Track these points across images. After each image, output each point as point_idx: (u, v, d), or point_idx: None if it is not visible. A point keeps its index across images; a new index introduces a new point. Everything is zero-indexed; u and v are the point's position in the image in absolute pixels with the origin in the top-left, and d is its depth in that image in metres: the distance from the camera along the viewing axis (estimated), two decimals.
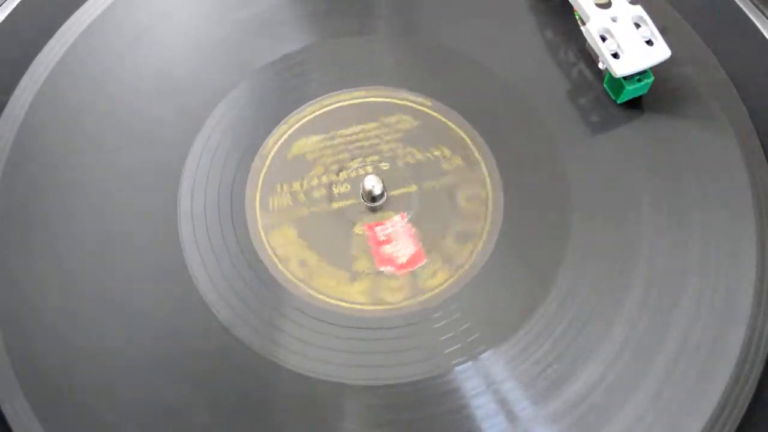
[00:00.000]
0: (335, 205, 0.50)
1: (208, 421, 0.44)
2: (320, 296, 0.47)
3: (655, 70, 0.51)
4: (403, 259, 0.49)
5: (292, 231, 0.49)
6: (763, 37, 0.55)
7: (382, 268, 0.48)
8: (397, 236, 0.49)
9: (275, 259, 0.48)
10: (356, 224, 0.50)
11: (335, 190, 0.51)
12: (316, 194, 0.51)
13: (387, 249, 0.49)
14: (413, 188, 0.51)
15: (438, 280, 0.48)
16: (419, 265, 0.48)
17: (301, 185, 0.51)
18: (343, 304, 0.47)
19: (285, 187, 0.51)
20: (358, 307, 0.47)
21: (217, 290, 0.47)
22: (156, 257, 0.49)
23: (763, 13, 0.55)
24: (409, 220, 0.50)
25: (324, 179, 0.51)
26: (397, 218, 0.50)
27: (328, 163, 0.52)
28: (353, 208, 0.50)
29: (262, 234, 0.49)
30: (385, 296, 0.47)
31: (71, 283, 0.48)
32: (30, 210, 0.50)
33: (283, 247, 0.49)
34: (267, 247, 0.49)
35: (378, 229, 0.49)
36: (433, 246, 0.49)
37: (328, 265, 0.48)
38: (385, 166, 0.51)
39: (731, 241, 0.48)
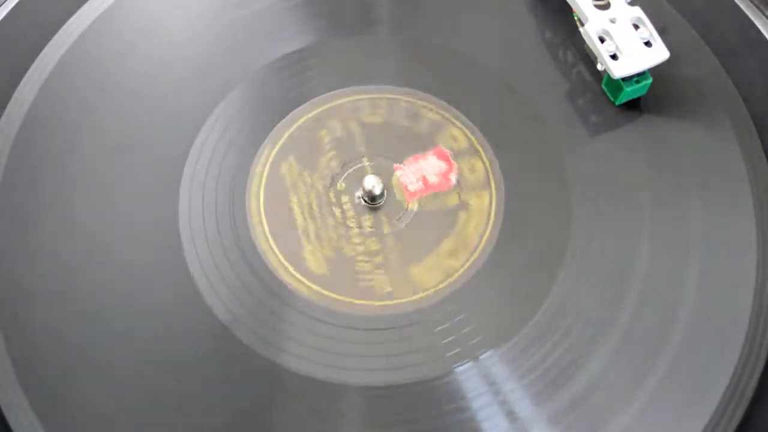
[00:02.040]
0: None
1: (208, 421, 0.44)
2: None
3: (654, 71, 0.51)
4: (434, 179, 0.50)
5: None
6: (763, 37, 0.55)
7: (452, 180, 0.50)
8: (421, 169, 0.51)
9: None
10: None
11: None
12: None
13: (431, 178, 0.51)
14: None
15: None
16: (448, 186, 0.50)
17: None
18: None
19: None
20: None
21: (217, 290, 0.47)
22: (156, 257, 0.48)
23: (763, 13, 0.55)
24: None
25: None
26: (398, 172, 0.51)
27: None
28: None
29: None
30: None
31: (71, 283, 0.48)
32: (30, 209, 0.50)
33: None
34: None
35: (409, 186, 0.51)
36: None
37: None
38: (392, 168, 0.52)
39: (731, 241, 0.48)
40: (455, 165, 0.51)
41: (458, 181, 0.51)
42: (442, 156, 0.51)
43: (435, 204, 0.50)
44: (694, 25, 0.55)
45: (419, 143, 0.52)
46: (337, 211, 0.50)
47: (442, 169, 0.50)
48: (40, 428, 0.44)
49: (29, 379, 0.45)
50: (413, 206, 0.50)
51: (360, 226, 0.50)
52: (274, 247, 0.49)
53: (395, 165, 0.51)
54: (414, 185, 0.50)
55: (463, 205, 0.50)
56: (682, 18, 0.56)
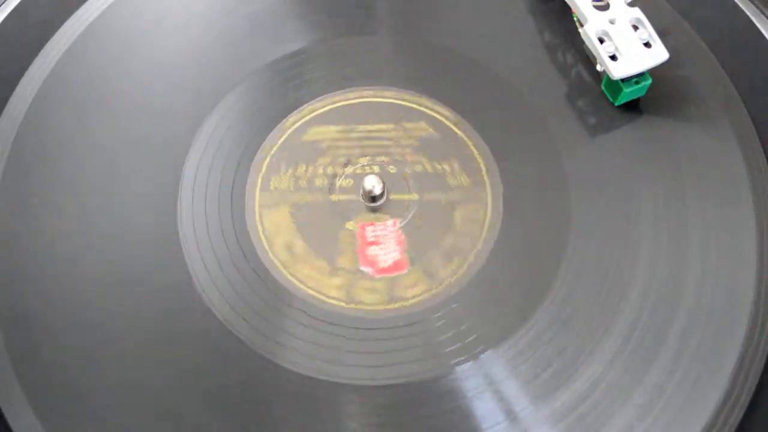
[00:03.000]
0: (334, 198, 0.50)
1: (208, 421, 0.44)
2: (320, 296, 0.47)
3: (654, 71, 0.51)
4: (385, 264, 0.49)
5: (286, 213, 0.50)
6: (763, 37, 0.55)
7: (362, 268, 0.49)
8: (386, 240, 0.49)
9: (264, 241, 0.49)
10: (350, 220, 0.50)
11: (338, 183, 0.51)
12: (318, 183, 0.51)
13: (372, 250, 0.49)
14: (414, 197, 0.51)
15: (415, 291, 0.48)
16: (399, 272, 0.48)
17: (306, 170, 0.51)
18: (343, 304, 0.47)
19: (290, 170, 0.51)
20: (359, 307, 0.47)
21: (217, 290, 0.47)
22: (156, 257, 0.48)
23: (763, 13, 0.55)
24: (401, 227, 0.50)
25: (329, 170, 0.51)
26: (389, 222, 0.50)
27: (338, 154, 0.52)
28: (351, 203, 0.50)
29: (258, 219, 0.49)
30: (360, 296, 0.48)
31: (71, 283, 0.48)
32: (29, 209, 0.50)
33: (274, 226, 0.49)
34: (259, 226, 0.49)
35: (369, 229, 0.50)
36: (418, 258, 0.49)
37: (312, 254, 0.49)
38: (392, 169, 0.52)
39: (731, 241, 0.48)
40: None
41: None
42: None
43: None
44: (694, 25, 0.55)
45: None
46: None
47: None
48: (40, 428, 0.44)
49: (29, 379, 0.45)
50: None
51: (376, 228, 0.50)
52: (274, 247, 0.49)
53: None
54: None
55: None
56: (682, 18, 0.56)
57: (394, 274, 0.48)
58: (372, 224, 0.50)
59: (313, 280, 0.48)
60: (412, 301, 0.47)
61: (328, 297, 0.48)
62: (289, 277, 0.48)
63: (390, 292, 0.48)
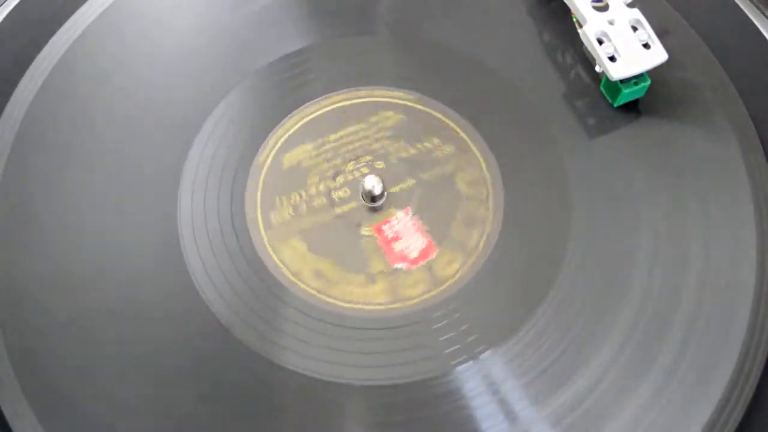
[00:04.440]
0: (338, 210, 0.50)
1: (207, 421, 0.44)
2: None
3: (654, 72, 0.51)
4: (415, 253, 0.49)
5: (300, 243, 0.49)
6: (763, 37, 0.55)
7: (396, 266, 0.49)
8: (406, 232, 0.50)
9: (285, 271, 0.48)
10: (362, 226, 0.50)
11: (335, 196, 0.51)
12: (317, 203, 0.51)
13: (398, 246, 0.49)
14: (412, 182, 0.51)
15: (453, 267, 0.48)
16: (432, 256, 0.49)
17: (300, 196, 0.51)
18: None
19: (284, 201, 0.51)
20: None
21: (217, 290, 0.47)
22: (156, 257, 0.48)
23: (763, 13, 0.56)
24: (414, 214, 0.50)
25: (322, 187, 0.51)
26: (401, 214, 0.50)
27: (323, 169, 0.52)
28: (356, 210, 0.50)
29: (266, 241, 0.49)
30: (406, 292, 0.48)
31: (71, 283, 0.47)
32: (30, 210, 0.50)
33: (293, 261, 0.49)
34: (270, 251, 0.49)
35: (385, 227, 0.50)
36: (443, 235, 0.49)
37: (344, 272, 0.49)
38: (380, 164, 0.52)
39: (731, 242, 0.48)
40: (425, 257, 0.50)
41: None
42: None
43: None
44: (694, 25, 0.56)
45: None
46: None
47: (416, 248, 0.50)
48: (40, 428, 0.44)
49: (29, 379, 0.45)
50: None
51: (360, 226, 0.50)
52: (274, 247, 0.49)
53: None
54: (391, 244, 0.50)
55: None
56: (682, 18, 0.56)
57: (428, 259, 0.49)
58: (386, 221, 0.50)
59: (355, 295, 0.48)
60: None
61: (374, 304, 0.48)
62: (290, 277, 0.48)
63: (433, 277, 0.48)
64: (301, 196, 0.51)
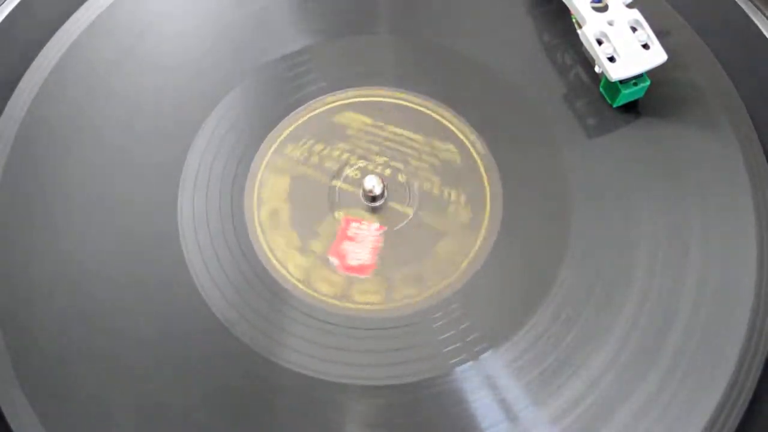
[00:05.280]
0: (335, 183, 0.51)
1: (207, 421, 0.44)
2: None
3: (654, 72, 0.51)
4: (352, 262, 0.49)
5: (285, 181, 0.50)
6: (763, 37, 0.55)
7: (330, 258, 0.49)
8: (363, 240, 0.49)
9: (264, 241, 0.49)
10: (340, 209, 0.50)
11: (346, 172, 0.51)
12: (328, 164, 0.51)
13: (347, 246, 0.49)
14: (409, 211, 0.51)
15: (366, 298, 0.48)
16: (362, 275, 0.49)
17: (323, 149, 0.51)
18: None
19: (309, 143, 0.51)
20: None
21: (217, 290, 0.47)
22: (156, 257, 0.49)
23: (763, 13, 0.56)
24: (383, 234, 0.50)
25: (344, 156, 0.51)
26: (375, 226, 0.50)
27: (358, 145, 0.52)
28: (349, 195, 0.50)
29: (258, 231, 0.49)
30: (314, 282, 0.48)
31: (71, 282, 0.48)
32: (30, 210, 0.50)
33: (270, 192, 0.50)
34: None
35: (353, 224, 0.50)
36: (384, 269, 0.49)
37: (291, 226, 0.49)
38: (402, 177, 0.52)
39: (731, 242, 0.48)
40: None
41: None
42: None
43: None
44: (694, 25, 0.56)
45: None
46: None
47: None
48: (40, 428, 0.44)
49: (29, 379, 0.45)
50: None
51: (360, 226, 0.50)
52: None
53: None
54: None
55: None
56: (682, 18, 0.56)
57: (355, 275, 0.49)
58: (358, 221, 0.50)
59: (281, 251, 0.48)
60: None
61: (289, 275, 0.48)
62: (290, 276, 0.48)
63: (343, 291, 0.48)
64: (323, 148, 0.51)
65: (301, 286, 0.48)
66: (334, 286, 0.48)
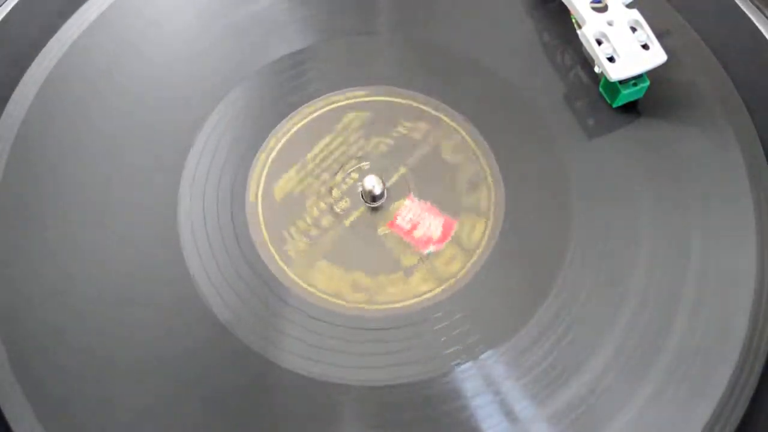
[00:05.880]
0: (347, 222, 0.50)
1: (207, 421, 0.44)
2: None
3: (654, 73, 0.51)
4: (437, 233, 0.49)
5: (327, 264, 0.49)
6: (763, 37, 0.55)
7: (426, 251, 0.49)
8: (420, 216, 0.50)
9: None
10: (377, 227, 0.50)
11: (338, 209, 0.51)
12: (325, 222, 0.50)
13: (418, 232, 0.49)
14: (403, 170, 0.51)
15: (478, 231, 0.49)
16: (455, 228, 0.49)
17: (306, 222, 0.51)
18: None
19: (293, 231, 0.50)
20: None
21: (216, 290, 0.47)
22: (156, 257, 0.48)
23: (763, 13, 0.56)
24: (419, 197, 0.50)
25: (322, 206, 0.51)
26: (407, 202, 0.50)
27: (315, 190, 0.51)
28: (364, 215, 0.50)
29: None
30: (447, 270, 0.48)
31: (71, 282, 0.47)
32: (30, 210, 0.50)
33: (329, 284, 0.48)
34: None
35: (399, 219, 0.50)
36: (455, 206, 0.50)
37: (380, 276, 0.48)
38: (365, 165, 0.52)
39: (731, 242, 0.48)
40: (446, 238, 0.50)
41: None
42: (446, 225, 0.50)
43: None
44: (694, 25, 0.56)
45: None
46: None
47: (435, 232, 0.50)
48: (40, 428, 0.44)
49: (29, 379, 0.45)
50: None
51: (375, 227, 0.50)
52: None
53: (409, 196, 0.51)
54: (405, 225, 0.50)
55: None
56: (682, 19, 0.56)
57: (452, 233, 0.49)
58: (397, 214, 0.50)
59: (401, 294, 0.48)
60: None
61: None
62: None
63: (465, 248, 0.48)
64: (306, 221, 0.50)
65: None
66: (457, 258, 0.48)
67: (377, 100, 0.54)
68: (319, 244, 0.49)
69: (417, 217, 0.50)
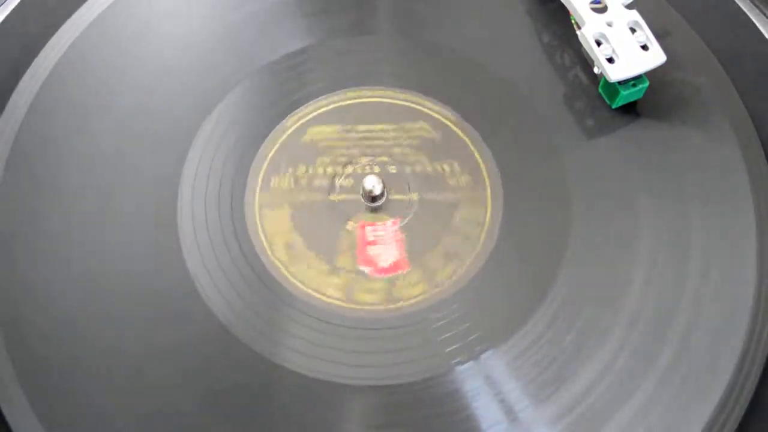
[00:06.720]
0: (334, 197, 0.51)
1: (207, 421, 0.44)
2: (320, 295, 0.47)
3: (653, 73, 0.51)
4: (384, 264, 0.49)
5: (286, 213, 0.50)
6: (763, 37, 0.55)
7: (361, 268, 0.49)
8: (385, 240, 0.49)
9: (264, 240, 0.49)
10: (350, 220, 0.50)
11: (338, 182, 0.51)
12: (318, 183, 0.51)
13: (372, 250, 0.49)
14: (414, 197, 0.51)
15: (415, 291, 0.48)
16: (399, 272, 0.49)
17: (306, 171, 0.51)
18: (345, 304, 0.47)
19: (290, 169, 0.51)
20: (358, 307, 0.47)
21: (217, 290, 0.47)
22: (156, 257, 0.48)
23: (763, 13, 0.56)
24: (401, 227, 0.50)
25: (330, 170, 0.51)
26: (389, 222, 0.50)
27: (337, 154, 0.52)
28: (351, 203, 0.50)
29: (258, 219, 0.50)
30: (359, 296, 0.48)
31: (71, 283, 0.47)
32: (30, 210, 0.50)
33: (274, 226, 0.49)
34: (259, 226, 0.49)
35: (369, 228, 0.50)
36: (417, 258, 0.49)
37: (311, 253, 0.49)
38: (393, 169, 0.52)
39: (731, 242, 0.48)
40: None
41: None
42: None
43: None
44: (694, 25, 0.56)
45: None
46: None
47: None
48: (40, 428, 0.44)
49: (29, 379, 0.45)
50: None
51: (348, 220, 0.50)
52: (274, 247, 0.49)
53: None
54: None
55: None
56: (682, 19, 0.56)
57: (393, 274, 0.48)
58: (372, 224, 0.50)
59: (312, 279, 0.48)
60: (412, 301, 0.47)
61: (327, 297, 0.48)
62: (290, 277, 0.48)
63: (389, 293, 0.48)
64: (307, 170, 0.51)
65: (301, 286, 0.48)
66: (377, 293, 0.48)
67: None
68: (296, 194, 0.50)
69: (383, 239, 0.50)
